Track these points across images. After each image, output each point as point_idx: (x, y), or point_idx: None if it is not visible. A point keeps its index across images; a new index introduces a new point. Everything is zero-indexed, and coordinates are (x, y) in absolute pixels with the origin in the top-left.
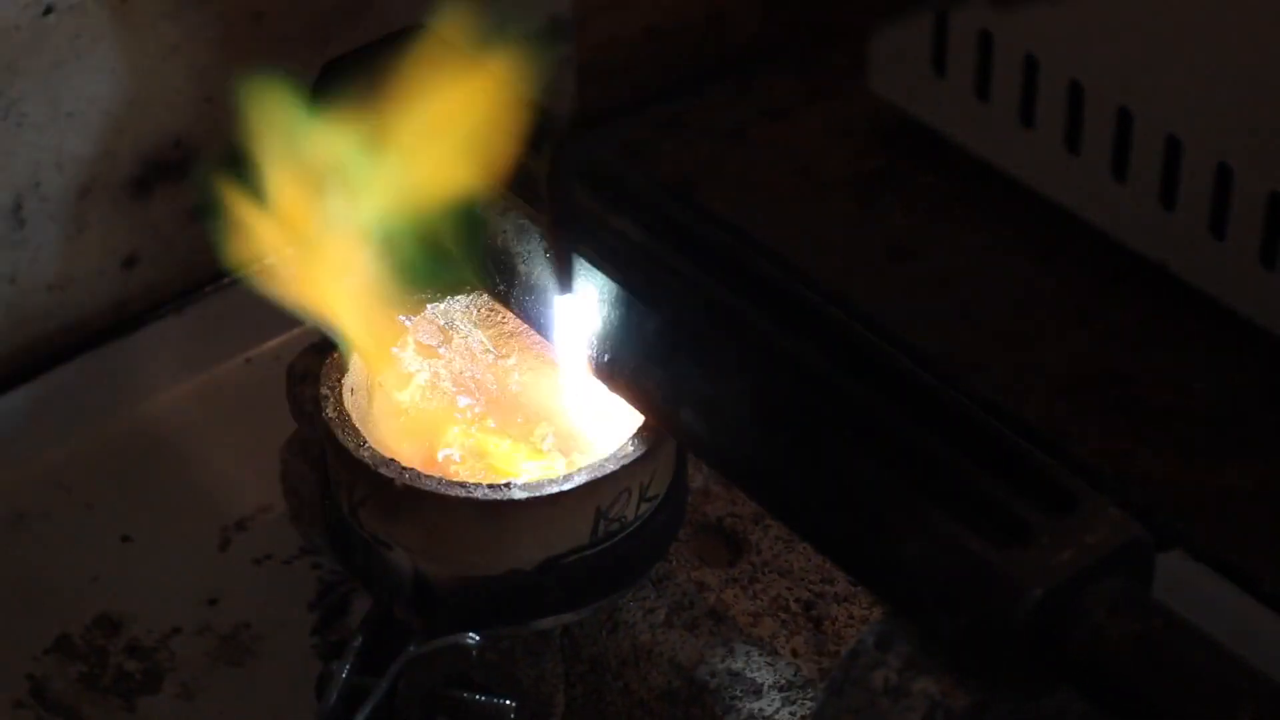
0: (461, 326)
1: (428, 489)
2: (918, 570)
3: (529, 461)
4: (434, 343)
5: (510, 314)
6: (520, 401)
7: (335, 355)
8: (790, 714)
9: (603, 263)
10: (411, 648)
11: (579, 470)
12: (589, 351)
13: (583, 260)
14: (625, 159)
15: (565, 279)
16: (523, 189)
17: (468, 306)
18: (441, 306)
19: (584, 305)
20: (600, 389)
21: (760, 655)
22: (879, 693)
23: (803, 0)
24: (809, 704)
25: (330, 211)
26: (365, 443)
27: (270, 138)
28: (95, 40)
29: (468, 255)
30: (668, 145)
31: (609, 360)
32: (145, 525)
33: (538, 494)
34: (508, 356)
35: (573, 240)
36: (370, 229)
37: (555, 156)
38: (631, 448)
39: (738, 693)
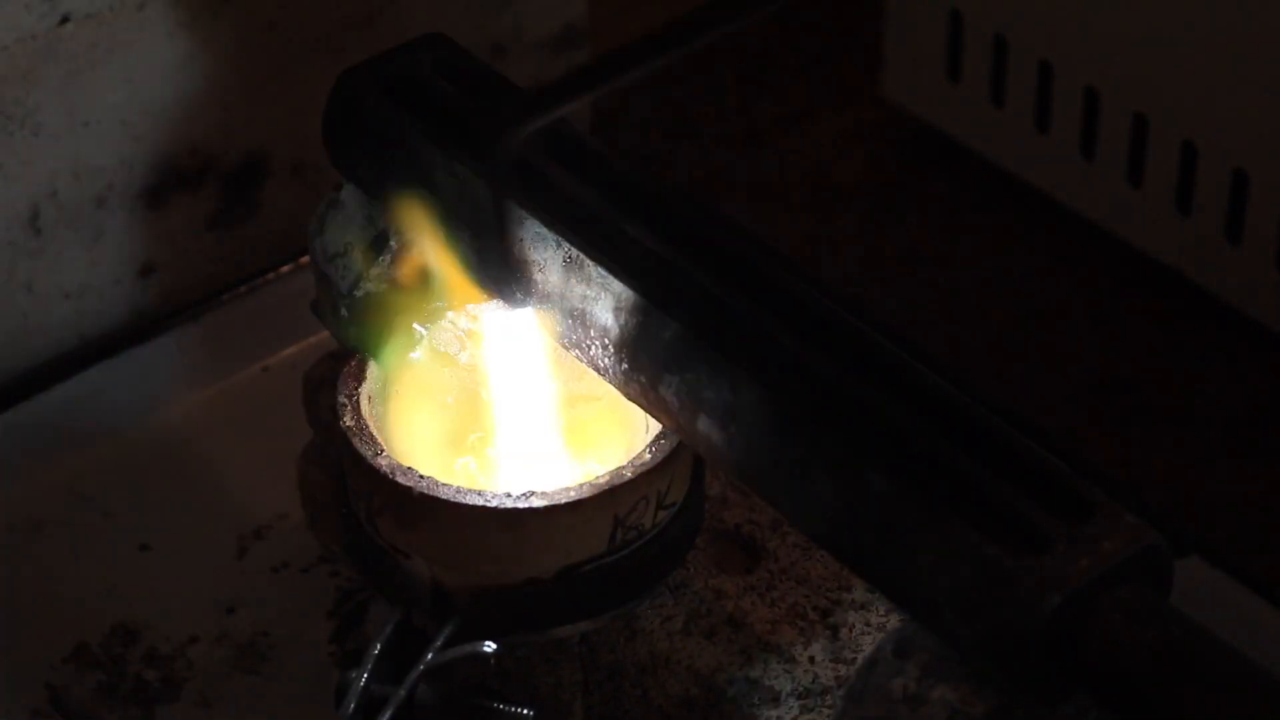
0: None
1: (446, 498)
2: (934, 578)
3: (544, 468)
4: (453, 351)
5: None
6: (537, 409)
7: (353, 363)
8: None
9: (617, 268)
10: (429, 656)
11: (597, 479)
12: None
13: (600, 269)
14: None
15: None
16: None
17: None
18: (459, 316)
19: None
20: (617, 395)
21: (778, 663)
22: (898, 700)
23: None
24: (827, 711)
25: None
26: (383, 451)
27: None
28: (111, 49)
29: None
30: (683, 152)
31: (626, 368)
32: (163, 534)
33: (555, 503)
34: (525, 365)
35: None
36: None
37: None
38: (649, 456)
39: (756, 700)
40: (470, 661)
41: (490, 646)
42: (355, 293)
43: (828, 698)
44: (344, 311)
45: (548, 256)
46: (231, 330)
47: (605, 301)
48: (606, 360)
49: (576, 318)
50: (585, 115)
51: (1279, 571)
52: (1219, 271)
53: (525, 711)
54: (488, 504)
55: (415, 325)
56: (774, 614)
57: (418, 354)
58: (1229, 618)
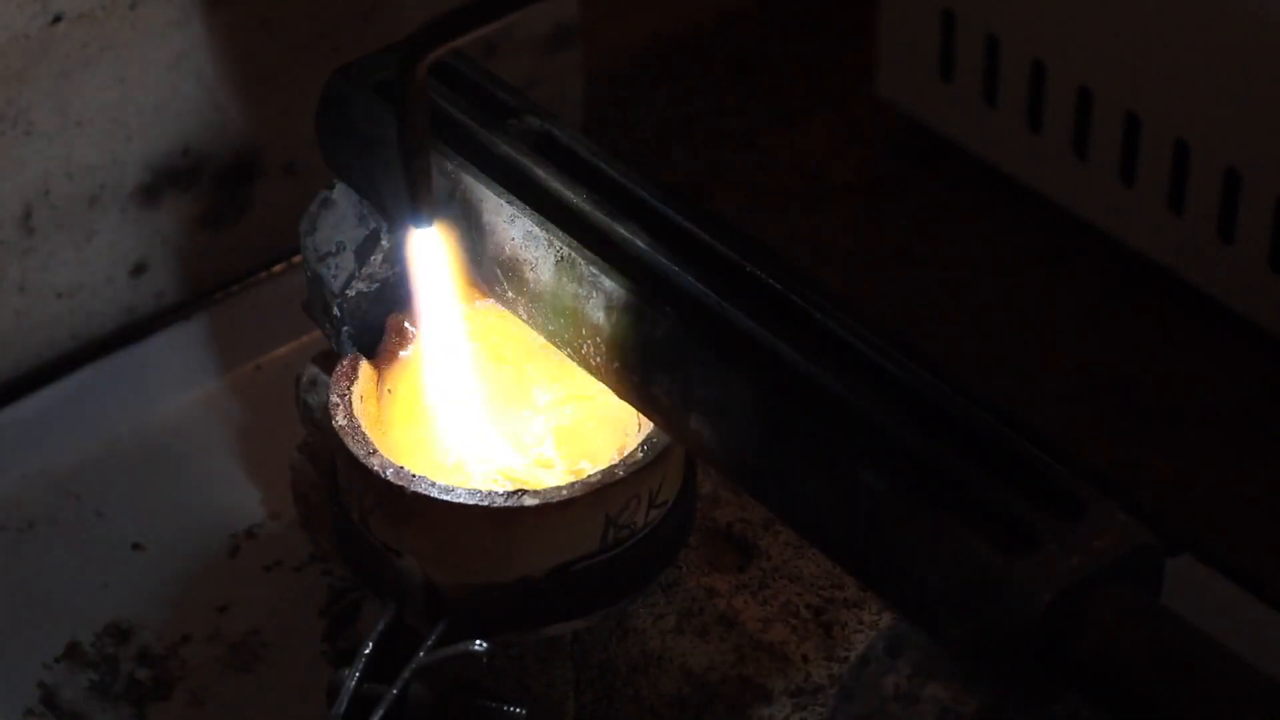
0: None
1: (438, 496)
2: (926, 576)
3: (536, 469)
4: (444, 349)
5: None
6: (530, 409)
7: (345, 362)
8: (801, 719)
9: (609, 267)
10: (422, 655)
11: (588, 477)
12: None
13: (592, 268)
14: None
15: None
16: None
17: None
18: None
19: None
20: (608, 394)
21: (770, 661)
22: (889, 698)
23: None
24: (819, 710)
25: None
26: (375, 450)
27: None
28: (103, 49)
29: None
30: (677, 151)
31: (618, 366)
32: (155, 533)
33: (547, 501)
34: (519, 364)
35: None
36: None
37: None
38: (641, 454)
39: (748, 699)
40: (463, 660)
41: (482, 645)
42: (347, 292)
43: (820, 696)
44: (336, 310)
45: (539, 255)
46: (224, 329)
47: (597, 300)
48: (598, 359)
49: (568, 316)
50: (578, 114)
51: (1271, 570)
52: (1212, 270)
53: (517, 710)
54: (480, 503)
55: (407, 324)
56: (766, 612)
57: (409, 352)
58: (1222, 617)
